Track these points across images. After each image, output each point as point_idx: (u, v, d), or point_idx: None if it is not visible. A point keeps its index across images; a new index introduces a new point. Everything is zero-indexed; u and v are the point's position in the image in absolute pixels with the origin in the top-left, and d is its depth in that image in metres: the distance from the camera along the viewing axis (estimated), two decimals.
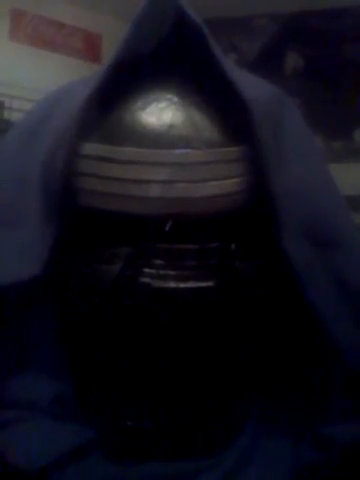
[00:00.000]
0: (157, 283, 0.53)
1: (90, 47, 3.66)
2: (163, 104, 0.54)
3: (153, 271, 0.53)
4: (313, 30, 3.68)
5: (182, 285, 0.53)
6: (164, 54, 0.56)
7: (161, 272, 0.53)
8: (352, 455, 0.57)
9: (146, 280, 0.53)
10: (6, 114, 2.94)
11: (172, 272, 0.53)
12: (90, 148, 0.53)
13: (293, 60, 3.75)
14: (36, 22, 3.45)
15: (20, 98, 2.62)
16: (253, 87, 0.54)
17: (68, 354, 0.59)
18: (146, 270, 0.53)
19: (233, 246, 0.55)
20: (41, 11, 3.43)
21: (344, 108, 3.60)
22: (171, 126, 0.53)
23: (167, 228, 0.53)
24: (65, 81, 0.61)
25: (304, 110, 0.59)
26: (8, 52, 3.29)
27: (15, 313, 0.59)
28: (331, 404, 0.58)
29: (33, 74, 3.06)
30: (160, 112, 0.53)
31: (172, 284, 0.53)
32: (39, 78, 2.70)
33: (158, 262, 0.53)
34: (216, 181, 0.53)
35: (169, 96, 0.54)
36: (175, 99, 0.54)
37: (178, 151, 0.52)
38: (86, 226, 0.55)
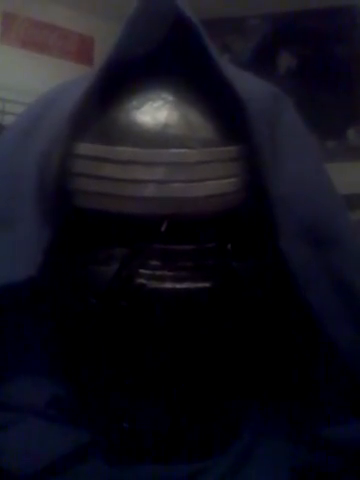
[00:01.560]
0: (153, 284, 0.53)
1: (82, 50, 3.65)
2: (158, 103, 0.53)
3: (149, 272, 0.53)
4: (306, 30, 3.68)
5: (178, 286, 0.53)
6: (159, 53, 0.55)
7: (157, 273, 0.53)
8: (351, 457, 0.57)
9: (142, 281, 0.53)
10: None
11: (168, 273, 0.53)
12: (85, 148, 0.53)
13: (286, 60, 3.75)
14: (28, 25, 3.44)
15: (12, 101, 2.61)
16: (249, 86, 0.54)
17: (64, 356, 0.59)
18: (142, 271, 0.53)
19: (229, 246, 0.55)
20: (32, 14, 3.43)
21: (338, 107, 3.60)
22: (166, 125, 0.52)
23: (163, 228, 0.52)
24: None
25: (298, 109, 0.59)
26: (0, 55, 3.28)
27: (10, 315, 0.58)
28: (330, 405, 0.58)
29: (25, 77, 3.04)
30: (155, 111, 0.53)
31: (168, 285, 0.53)
32: (32, 81, 2.68)
33: (154, 263, 0.53)
34: (212, 181, 0.52)
35: (164, 95, 0.54)
36: (170, 98, 0.54)
37: (173, 151, 0.51)
38: (81, 227, 0.55)
